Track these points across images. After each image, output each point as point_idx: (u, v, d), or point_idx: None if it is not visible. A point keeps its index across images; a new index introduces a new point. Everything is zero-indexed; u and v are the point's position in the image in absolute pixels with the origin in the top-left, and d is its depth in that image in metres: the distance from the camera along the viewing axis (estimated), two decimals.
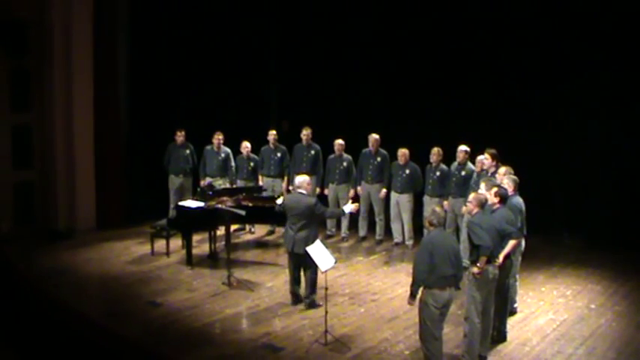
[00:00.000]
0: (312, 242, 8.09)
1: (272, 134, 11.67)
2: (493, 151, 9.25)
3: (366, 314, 8.45)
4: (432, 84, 12.11)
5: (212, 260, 10.42)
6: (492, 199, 7.34)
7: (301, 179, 8.66)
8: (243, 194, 10.58)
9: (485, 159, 9.34)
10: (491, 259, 6.96)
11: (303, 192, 8.54)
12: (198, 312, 8.44)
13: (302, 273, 8.60)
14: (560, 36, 11.04)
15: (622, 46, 10.63)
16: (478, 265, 6.88)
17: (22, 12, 11.23)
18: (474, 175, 9.77)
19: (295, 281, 8.67)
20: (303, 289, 8.65)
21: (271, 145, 11.64)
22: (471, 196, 7.30)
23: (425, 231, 7.01)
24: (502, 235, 7.16)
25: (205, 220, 10.17)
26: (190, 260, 10.16)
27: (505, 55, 11.42)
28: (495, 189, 7.40)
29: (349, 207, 8.85)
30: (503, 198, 7.36)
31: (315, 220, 8.51)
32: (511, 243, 7.29)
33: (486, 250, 6.85)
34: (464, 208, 9.13)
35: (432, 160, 10.60)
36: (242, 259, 10.54)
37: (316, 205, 8.45)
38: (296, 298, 8.68)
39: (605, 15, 10.62)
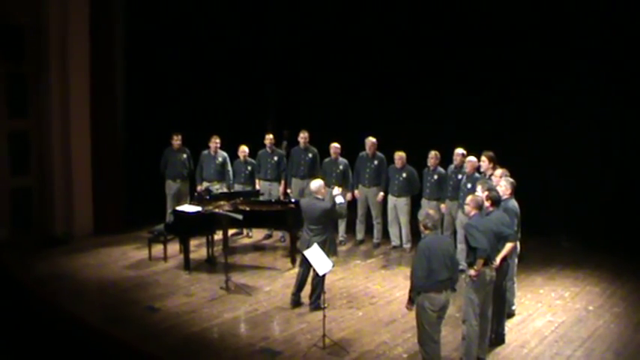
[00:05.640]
0: (329, 246, 8.19)
1: (269, 138, 11.65)
2: (490, 153, 9.26)
3: (364, 318, 8.44)
4: (429, 87, 12.15)
5: (210, 265, 10.41)
6: (485, 202, 7.34)
7: (317, 184, 8.58)
8: (241, 198, 10.59)
9: (482, 161, 9.36)
10: (488, 262, 6.96)
11: (319, 197, 8.51)
12: (196, 317, 8.43)
13: (309, 279, 8.56)
14: (558, 37, 11.06)
15: (621, 48, 10.64)
16: (475, 267, 6.89)
17: (19, 17, 11.22)
18: (464, 177, 9.80)
19: (301, 285, 8.64)
20: (303, 293, 8.66)
21: (268, 149, 11.64)
22: (469, 198, 7.30)
23: (422, 234, 7.00)
24: (499, 238, 7.16)
25: (203, 225, 10.15)
26: (188, 265, 10.16)
27: (501, 57, 11.44)
28: (486, 193, 7.41)
29: (339, 198, 8.61)
30: (495, 201, 7.37)
31: (331, 224, 8.47)
32: (508, 245, 7.29)
33: (483, 253, 6.86)
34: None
35: (429, 164, 10.60)
36: (240, 263, 10.54)
37: (332, 209, 8.42)
38: (297, 301, 8.68)
39: (603, 15, 10.63)
